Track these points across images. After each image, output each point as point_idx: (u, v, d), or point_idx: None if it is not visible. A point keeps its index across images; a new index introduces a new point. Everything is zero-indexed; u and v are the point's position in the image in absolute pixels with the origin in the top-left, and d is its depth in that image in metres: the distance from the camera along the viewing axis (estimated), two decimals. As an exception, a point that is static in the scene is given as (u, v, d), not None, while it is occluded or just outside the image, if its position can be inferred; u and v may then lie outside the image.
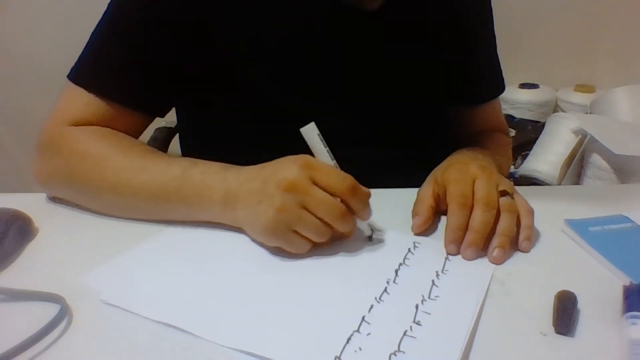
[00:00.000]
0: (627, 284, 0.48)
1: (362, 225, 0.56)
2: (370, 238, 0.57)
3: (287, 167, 0.52)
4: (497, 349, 0.43)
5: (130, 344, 0.43)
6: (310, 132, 0.54)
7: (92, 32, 0.66)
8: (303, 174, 0.51)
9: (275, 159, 0.54)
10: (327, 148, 0.54)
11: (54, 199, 0.65)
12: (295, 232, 0.51)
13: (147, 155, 0.61)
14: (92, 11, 0.68)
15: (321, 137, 0.54)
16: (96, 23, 0.66)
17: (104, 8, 0.66)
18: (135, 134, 0.69)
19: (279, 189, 0.50)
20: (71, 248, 0.56)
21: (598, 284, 0.51)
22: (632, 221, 0.61)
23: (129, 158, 0.60)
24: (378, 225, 0.59)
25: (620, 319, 0.45)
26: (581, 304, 0.47)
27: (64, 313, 0.45)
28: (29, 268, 0.53)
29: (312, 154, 0.55)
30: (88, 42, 0.66)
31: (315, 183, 0.51)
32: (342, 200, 0.52)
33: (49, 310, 0.45)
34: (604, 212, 0.62)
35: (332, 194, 0.51)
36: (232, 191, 0.54)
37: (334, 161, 0.55)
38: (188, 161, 0.59)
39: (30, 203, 0.61)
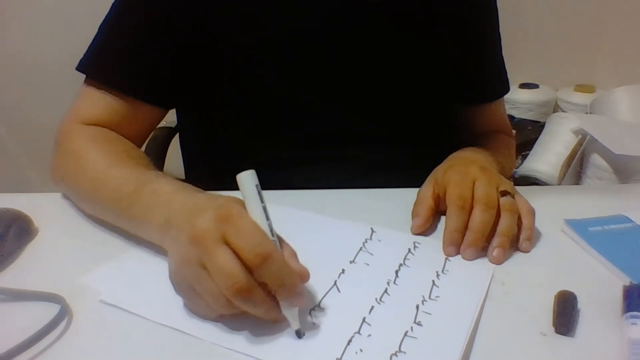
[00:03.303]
0: (627, 284, 0.48)
1: (288, 313, 0.43)
2: (298, 334, 0.43)
3: (205, 213, 0.43)
4: (497, 349, 0.43)
5: (130, 344, 0.43)
6: (246, 181, 0.43)
7: (100, 26, 0.67)
8: (215, 228, 0.41)
9: (219, 196, 0.47)
10: (264, 204, 0.43)
11: (53, 196, 0.65)
12: (195, 291, 0.43)
13: (116, 165, 0.59)
14: (93, 12, 0.68)
15: (259, 188, 0.43)
16: (98, 23, 0.67)
17: (106, 8, 0.67)
18: (144, 131, 0.70)
19: (187, 238, 0.43)
20: (71, 248, 0.56)
21: (598, 284, 0.51)
22: (632, 221, 0.61)
23: (100, 167, 0.59)
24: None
25: (620, 319, 0.45)
26: (581, 304, 0.47)
27: (64, 313, 0.45)
28: (29, 268, 0.53)
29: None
30: (96, 36, 0.67)
31: (227, 241, 0.41)
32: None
33: (49, 310, 0.45)
34: (604, 212, 0.62)
35: (241, 259, 0.41)
36: (170, 219, 0.48)
37: (269, 221, 0.43)
38: (145, 177, 0.55)
39: (30, 203, 0.61)
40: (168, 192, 0.51)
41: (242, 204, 0.44)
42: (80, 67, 0.66)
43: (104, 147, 0.62)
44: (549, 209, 0.60)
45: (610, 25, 1.83)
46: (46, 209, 0.63)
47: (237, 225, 0.42)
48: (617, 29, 1.83)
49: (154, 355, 0.42)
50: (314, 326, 0.45)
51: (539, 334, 0.44)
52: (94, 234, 0.58)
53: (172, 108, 0.75)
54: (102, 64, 0.66)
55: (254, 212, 0.43)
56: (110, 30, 0.67)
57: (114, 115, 0.66)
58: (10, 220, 0.56)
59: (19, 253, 0.55)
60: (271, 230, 0.43)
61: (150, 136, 0.99)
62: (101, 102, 0.65)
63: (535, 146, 1.67)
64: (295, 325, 0.43)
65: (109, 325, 0.45)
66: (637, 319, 0.43)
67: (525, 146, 1.70)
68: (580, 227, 0.59)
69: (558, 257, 0.56)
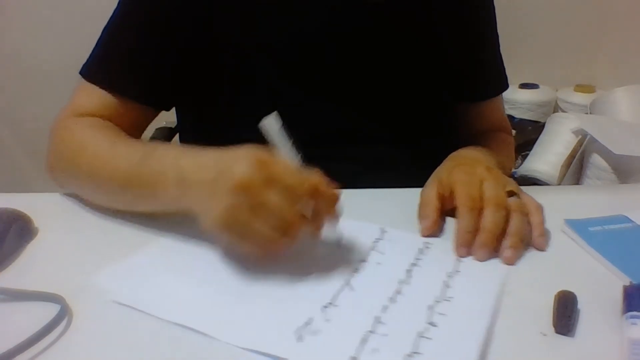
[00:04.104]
0: (627, 284, 0.48)
1: (329, 227, 0.52)
2: (337, 242, 0.53)
3: (242, 163, 0.47)
4: (497, 349, 0.43)
5: (130, 344, 0.43)
6: (272, 124, 0.48)
7: (103, 30, 0.68)
8: (258, 174, 0.46)
9: (236, 146, 0.50)
10: (291, 141, 0.50)
11: (53, 196, 0.65)
12: (245, 234, 0.48)
13: (119, 144, 0.61)
14: (94, 12, 0.69)
15: (284, 129, 0.49)
16: (98, 23, 0.68)
17: (106, 9, 0.67)
18: (139, 127, 0.70)
19: (229, 187, 0.46)
20: (71, 248, 0.56)
21: (598, 284, 0.51)
22: (632, 221, 0.61)
23: (102, 146, 0.61)
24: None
25: (620, 319, 0.45)
26: (581, 304, 0.47)
27: (64, 313, 0.45)
28: (29, 268, 0.53)
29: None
30: (99, 39, 0.68)
31: (272, 184, 0.46)
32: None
33: (49, 310, 0.45)
34: (604, 212, 0.62)
35: (291, 196, 0.47)
36: (185, 178, 0.51)
37: (298, 156, 0.50)
38: (150, 147, 0.59)
39: (30, 203, 0.61)
40: (173, 155, 0.54)
41: (262, 148, 0.48)
42: (83, 73, 0.67)
43: (104, 131, 0.63)
44: (549, 209, 0.60)
45: (610, 25, 1.83)
46: (46, 209, 0.63)
47: (276, 168, 0.47)
48: (617, 29, 1.83)
49: (154, 355, 0.42)
50: (328, 323, 0.44)
51: (539, 334, 0.44)
52: (94, 234, 0.58)
53: (171, 108, 0.75)
54: (104, 70, 0.67)
55: (284, 151, 0.49)
56: (112, 36, 0.67)
57: (111, 111, 0.66)
58: (10, 220, 0.56)
59: (19, 253, 0.55)
60: (300, 164, 0.50)
61: (150, 136, 1.00)
62: (99, 99, 0.66)
63: (535, 146, 1.67)
64: (335, 234, 0.53)
65: (109, 325, 0.45)
66: (637, 319, 0.43)
67: (525, 146, 1.70)
68: (580, 227, 0.59)
69: (558, 257, 0.56)
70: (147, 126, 0.72)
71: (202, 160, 0.52)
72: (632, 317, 0.43)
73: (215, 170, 0.49)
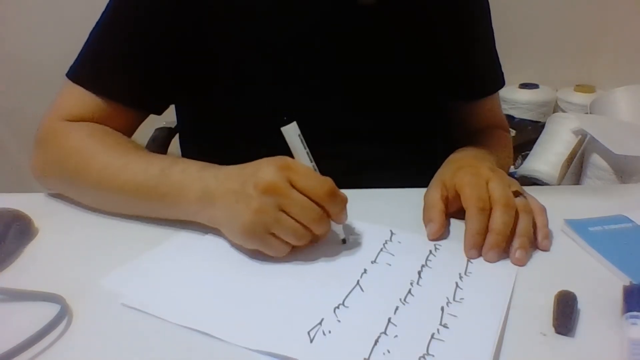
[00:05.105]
0: (627, 284, 0.48)
1: (337, 228, 0.55)
2: (344, 241, 0.56)
3: (265, 169, 0.50)
4: (497, 349, 0.43)
5: (130, 344, 0.43)
6: (291, 132, 0.52)
7: (91, 31, 0.67)
8: (281, 176, 0.50)
9: (256, 160, 0.53)
10: (307, 149, 0.53)
11: (53, 196, 0.65)
12: (273, 234, 0.50)
13: (129, 153, 0.61)
14: (93, 12, 0.68)
15: (302, 137, 0.53)
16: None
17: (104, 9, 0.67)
18: (130, 129, 0.69)
19: (257, 191, 0.49)
20: (71, 248, 0.56)
21: (598, 284, 0.51)
22: (632, 221, 0.61)
23: (112, 156, 0.60)
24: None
25: (620, 319, 0.45)
26: (581, 304, 0.47)
27: (64, 313, 0.45)
28: (29, 268, 0.53)
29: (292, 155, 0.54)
30: (86, 40, 0.67)
31: (293, 185, 0.50)
32: (318, 204, 0.51)
33: (49, 310, 0.45)
34: (604, 212, 0.62)
35: (310, 197, 0.50)
36: (209, 190, 0.53)
37: (313, 163, 0.54)
38: (168, 160, 0.59)
39: (30, 203, 0.61)
40: (196, 169, 0.56)
41: (281, 158, 0.51)
42: (70, 75, 0.66)
43: (107, 139, 0.63)
44: (549, 209, 0.60)
45: (610, 25, 1.83)
46: (46, 209, 0.63)
47: (297, 171, 0.50)
48: (617, 29, 1.83)
49: (155, 355, 0.42)
50: (340, 324, 0.44)
51: (539, 334, 0.44)
52: (94, 234, 0.58)
53: (162, 112, 0.74)
54: (92, 73, 0.66)
55: (301, 157, 0.53)
56: (100, 38, 0.66)
57: (100, 113, 0.65)
58: (10, 220, 0.56)
59: (19, 253, 0.55)
60: (316, 170, 0.53)
61: (150, 136, 1.00)
62: (86, 101, 0.65)
63: (535, 146, 1.67)
64: (341, 235, 0.55)
65: (109, 325, 0.45)
66: (637, 319, 0.43)
67: (525, 146, 1.70)
68: (580, 227, 0.59)
69: (558, 257, 0.56)
70: (137, 127, 0.71)
71: (224, 173, 0.54)
72: (632, 317, 0.43)
73: (240, 180, 0.51)
